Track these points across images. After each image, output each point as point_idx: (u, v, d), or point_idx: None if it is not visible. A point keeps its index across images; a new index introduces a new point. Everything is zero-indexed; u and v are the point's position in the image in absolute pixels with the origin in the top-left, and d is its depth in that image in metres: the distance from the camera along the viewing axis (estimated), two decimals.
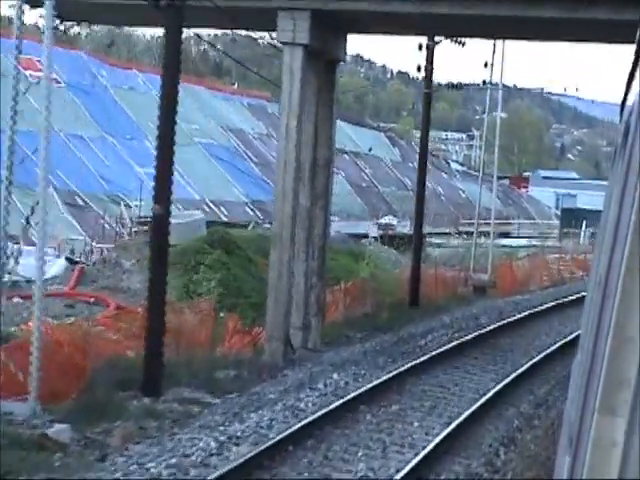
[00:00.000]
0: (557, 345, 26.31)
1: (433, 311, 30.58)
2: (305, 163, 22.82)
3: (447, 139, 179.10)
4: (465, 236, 65.27)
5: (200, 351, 20.59)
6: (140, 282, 27.62)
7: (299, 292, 22.87)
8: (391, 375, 20.96)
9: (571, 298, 35.42)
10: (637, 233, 2.36)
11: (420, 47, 30.64)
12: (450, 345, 24.88)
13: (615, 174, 3.73)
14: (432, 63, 30.81)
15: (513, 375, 22.35)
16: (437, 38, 30.61)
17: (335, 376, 20.55)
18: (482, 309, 31.87)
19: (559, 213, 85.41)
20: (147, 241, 32.43)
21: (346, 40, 24.62)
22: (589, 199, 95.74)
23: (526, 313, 31.01)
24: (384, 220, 64.77)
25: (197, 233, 29.49)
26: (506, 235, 73.18)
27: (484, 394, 20.48)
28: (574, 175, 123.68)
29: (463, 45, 30.70)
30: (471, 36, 25.32)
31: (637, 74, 3.32)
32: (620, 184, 3.04)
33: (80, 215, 60.43)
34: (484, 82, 35.22)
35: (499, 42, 35.78)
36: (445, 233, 65.50)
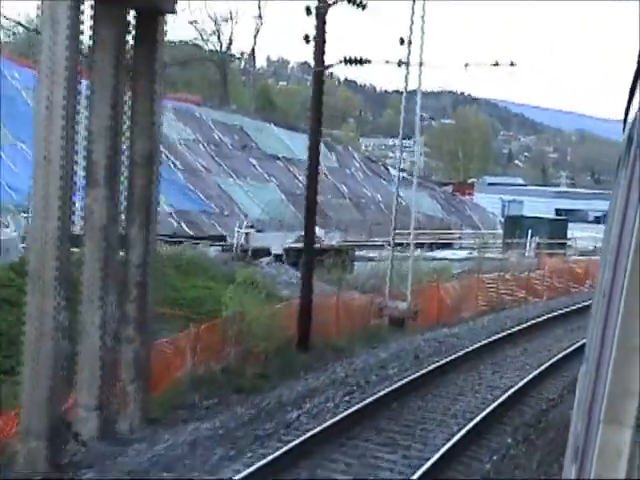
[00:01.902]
0: (487, 410, 18.33)
1: (328, 358, 22.49)
2: (99, 160, 14.63)
3: (394, 146, 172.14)
4: (399, 248, 57.19)
5: None
6: None
7: (92, 354, 14.66)
8: None
9: (510, 331, 27.47)
10: None
11: (308, 11, 22.62)
12: (333, 419, 16.77)
13: (618, 186, 3.61)
14: (324, 33, 22.77)
15: (418, 472, 14.40)
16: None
17: None
18: (394, 351, 23.80)
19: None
20: None
21: None
22: (536, 205, 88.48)
23: (451, 357, 22.94)
24: None
25: (5, 258, 21.16)
26: (447, 246, 65.45)
27: None
28: (520, 181, 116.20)
29: (364, 8, 22.74)
30: None
31: (639, 87, 3.16)
32: (623, 196, 2.99)
33: None
34: (400, 63, 27.12)
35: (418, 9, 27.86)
36: (378, 245, 57.26)
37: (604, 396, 2.43)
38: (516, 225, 58.44)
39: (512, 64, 22.01)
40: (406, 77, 28.15)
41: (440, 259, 49.85)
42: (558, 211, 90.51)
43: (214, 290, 25.12)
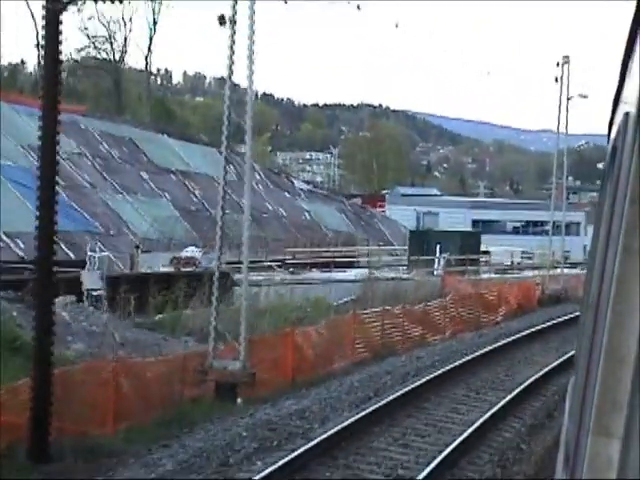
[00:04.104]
0: None
1: (75, 474, 13.31)
2: None
3: (312, 159, 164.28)
4: (292, 269, 48.36)
5: None
6: None
7: None
8: None
9: (388, 398, 18.42)
10: (626, 254, 2.14)
11: None
12: None
13: (604, 196, 3.50)
14: None
15: None
16: None
17: None
18: (193, 452, 14.56)
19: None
20: None
21: None
22: (452, 217, 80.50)
23: (281, 461, 13.81)
24: (186, 253, 47.63)
25: None
26: (351, 265, 56.27)
27: None
28: (435, 191, 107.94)
29: None
30: None
31: (623, 94, 2.91)
32: (609, 207, 2.88)
33: None
34: (222, 19, 18.27)
35: None
36: (268, 266, 47.92)
37: (592, 407, 2.25)
38: (422, 240, 49.75)
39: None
40: (231, 37, 19.47)
41: (336, 281, 41.00)
42: (475, 222, 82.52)
43: None
